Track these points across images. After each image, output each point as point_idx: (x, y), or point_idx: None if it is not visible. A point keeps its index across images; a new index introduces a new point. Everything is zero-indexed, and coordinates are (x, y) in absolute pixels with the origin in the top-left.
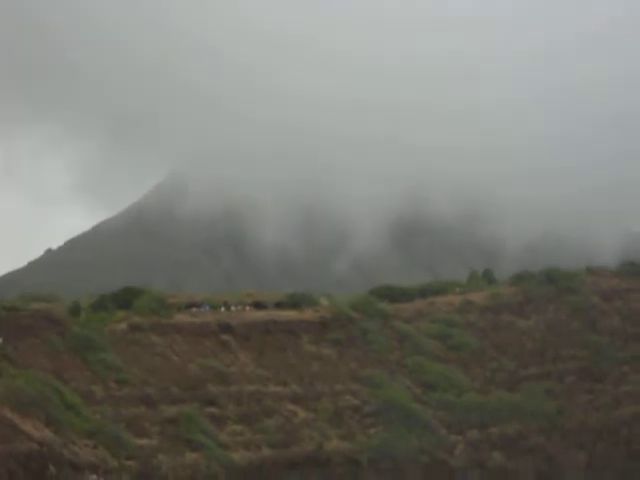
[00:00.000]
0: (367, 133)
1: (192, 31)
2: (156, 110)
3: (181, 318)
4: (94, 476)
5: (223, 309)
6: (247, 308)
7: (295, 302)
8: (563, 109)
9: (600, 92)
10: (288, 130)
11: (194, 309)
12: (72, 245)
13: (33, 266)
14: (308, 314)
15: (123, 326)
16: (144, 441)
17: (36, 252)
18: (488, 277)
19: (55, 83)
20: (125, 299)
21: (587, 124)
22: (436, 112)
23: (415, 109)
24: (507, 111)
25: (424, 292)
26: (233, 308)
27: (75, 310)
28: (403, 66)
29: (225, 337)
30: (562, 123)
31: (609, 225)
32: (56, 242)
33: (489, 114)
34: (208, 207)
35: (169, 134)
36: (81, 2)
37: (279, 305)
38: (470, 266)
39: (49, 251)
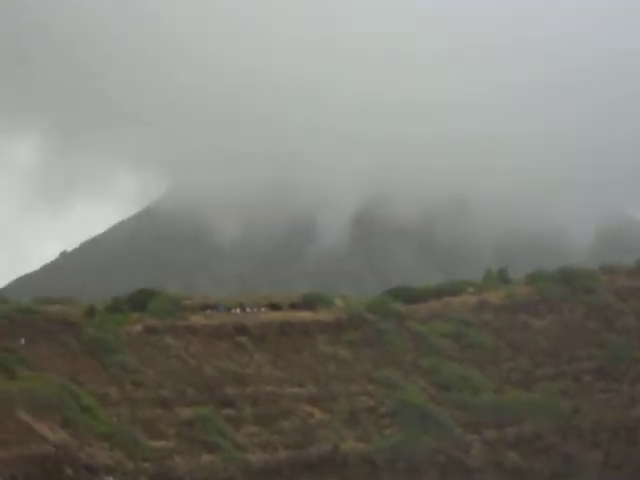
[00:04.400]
0: (341, 127)
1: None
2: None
3: (196, 320)
4: (110, 478)
5: (238, 310)
6: (262, 309)
7: (310, 303)
8: (537, 104)
9: (576, 88)
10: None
11: (209, 311)
12: (86, 248)
13: (48, 269)
14: (323, 315)
15: (138, 328)
16: (160, 443)
17: (51, 254)
18: (503, 277)
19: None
20: (140, 301)
21: (560, 119)
22: (417, 105)
23: (392, 103)
24: (482, 106)
25: (439, 292)
26: (248, 309)
27: (90, 313)
28: (376, 59)
29: (241, 339)
30: (536, 117)
31: (582, 219)
32: (71, 244)
33: (465, 108)
34: (221, 209)
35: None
36: None
37: (294, 306)
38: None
39: (64, 254)
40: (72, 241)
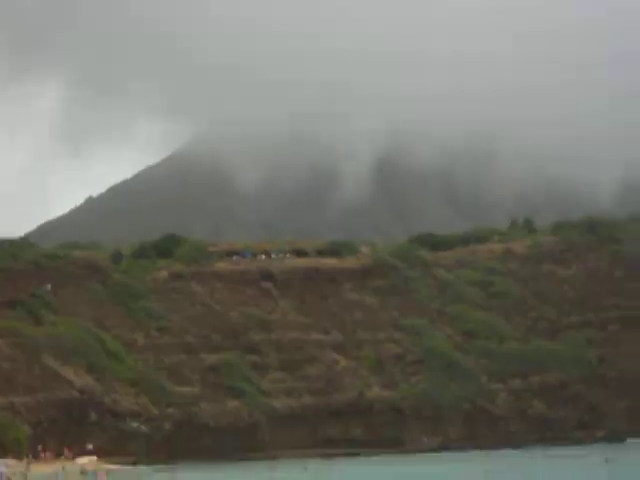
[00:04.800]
0: (360, 77)
1: None
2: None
3: (222, 266)
4: (135, 423)
5: (264, 257)
6: (287, 256)
7: (336, 250)
8: (566, 54)
9: (598, 36)
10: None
11: (235, 257)
12: (113, 193)
13: (74, 214)
14: (349, 262)
15: (164, 274)
16: (185, 389)
17: (77, 200)
18: (528, 226)
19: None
20: (166, 247)
21: (590, 68)
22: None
23: (413, 53)
24: (502, 59)
25: (465, 240)
26: (273, 256)
27: (116, 258)
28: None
29: (266, 285)
30: (563, 67)
31: (608, 167)
32: (96, 191)
33: (486, 62)
34: (244, 156)
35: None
36: None
37: (320, 253)
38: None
39: (90, 199)
40: (97, 187)
